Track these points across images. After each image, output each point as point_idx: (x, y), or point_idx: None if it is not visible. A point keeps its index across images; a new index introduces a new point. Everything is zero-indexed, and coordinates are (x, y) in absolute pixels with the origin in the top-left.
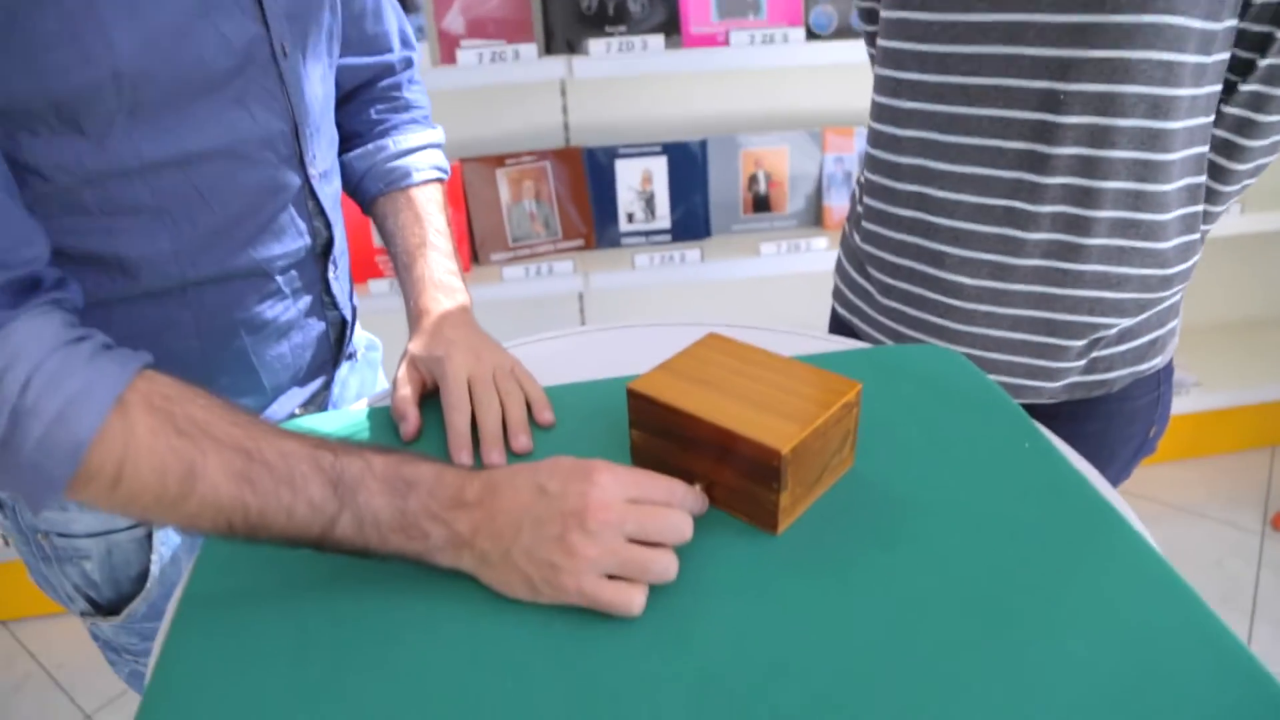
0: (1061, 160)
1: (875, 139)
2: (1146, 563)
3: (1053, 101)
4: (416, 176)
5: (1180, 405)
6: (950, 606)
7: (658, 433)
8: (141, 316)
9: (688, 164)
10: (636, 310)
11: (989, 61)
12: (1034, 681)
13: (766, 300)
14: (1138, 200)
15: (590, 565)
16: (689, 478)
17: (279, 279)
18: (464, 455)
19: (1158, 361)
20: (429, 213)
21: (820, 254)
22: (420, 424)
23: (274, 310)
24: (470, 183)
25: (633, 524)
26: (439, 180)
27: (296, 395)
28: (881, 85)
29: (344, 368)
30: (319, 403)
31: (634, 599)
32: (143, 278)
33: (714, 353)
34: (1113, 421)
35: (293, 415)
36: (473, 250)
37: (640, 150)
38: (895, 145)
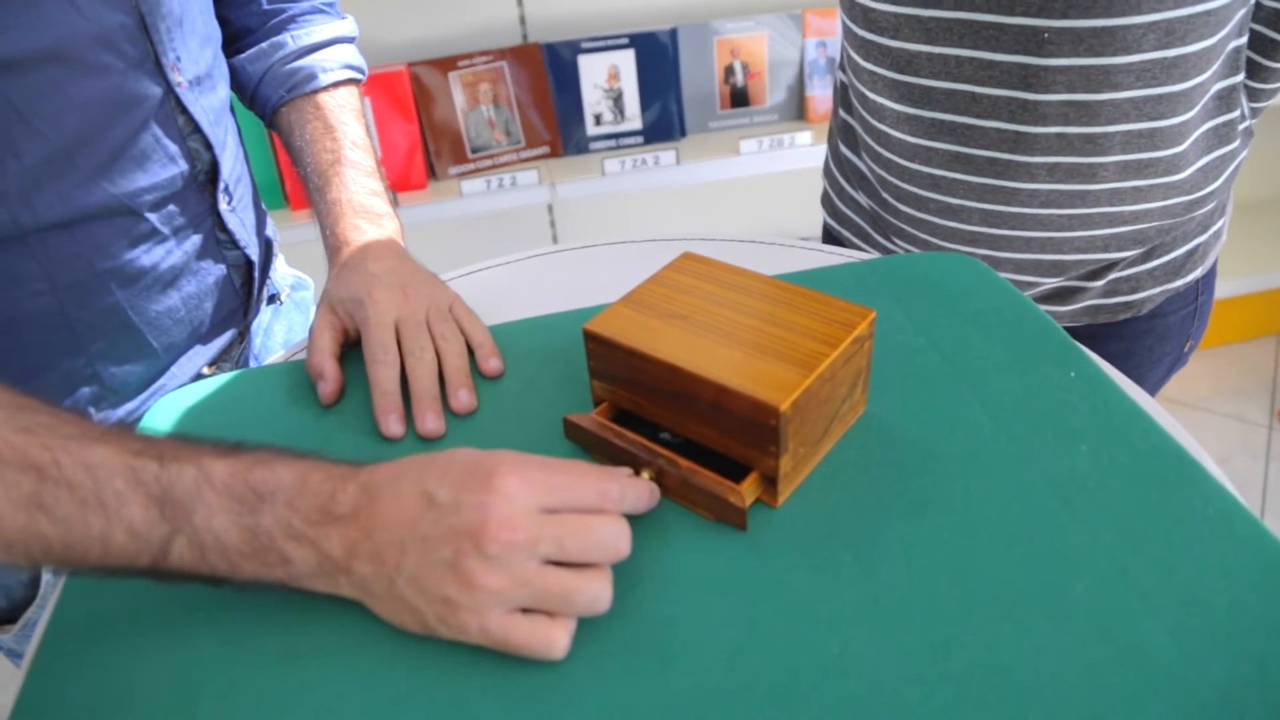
0: (1050, 107)
1: (848, 64)
2: (1238, 524)
3: (1035, 41)
4: (324, 78)
5: None
6: (992, 584)
7: (623, 383)
8: None
9: (658, 56)
10: (609, 222)
11: None
12: (1112, 692)
13: (751, 203)
14: (1151, 139)
15: (494, 599)
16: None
17: (151, 217)
18: (392, 421)
19: (1196, 274)
20: (343, 121)
21: (805, 150)
22: (341, 382)
23: (151, 256)
24: (421, 89)
25: (548, 543)
26: (354, 81)
27: (200, 354)
28: (847, 6)
29: (265, 314)
30: (235, 358)
31: (554, 639)
32: None
33: (690, 277)
34: (1140, 341)
35: (199, 376)
36: (428, 164)
37: (605, 43)
38: (861, 75)
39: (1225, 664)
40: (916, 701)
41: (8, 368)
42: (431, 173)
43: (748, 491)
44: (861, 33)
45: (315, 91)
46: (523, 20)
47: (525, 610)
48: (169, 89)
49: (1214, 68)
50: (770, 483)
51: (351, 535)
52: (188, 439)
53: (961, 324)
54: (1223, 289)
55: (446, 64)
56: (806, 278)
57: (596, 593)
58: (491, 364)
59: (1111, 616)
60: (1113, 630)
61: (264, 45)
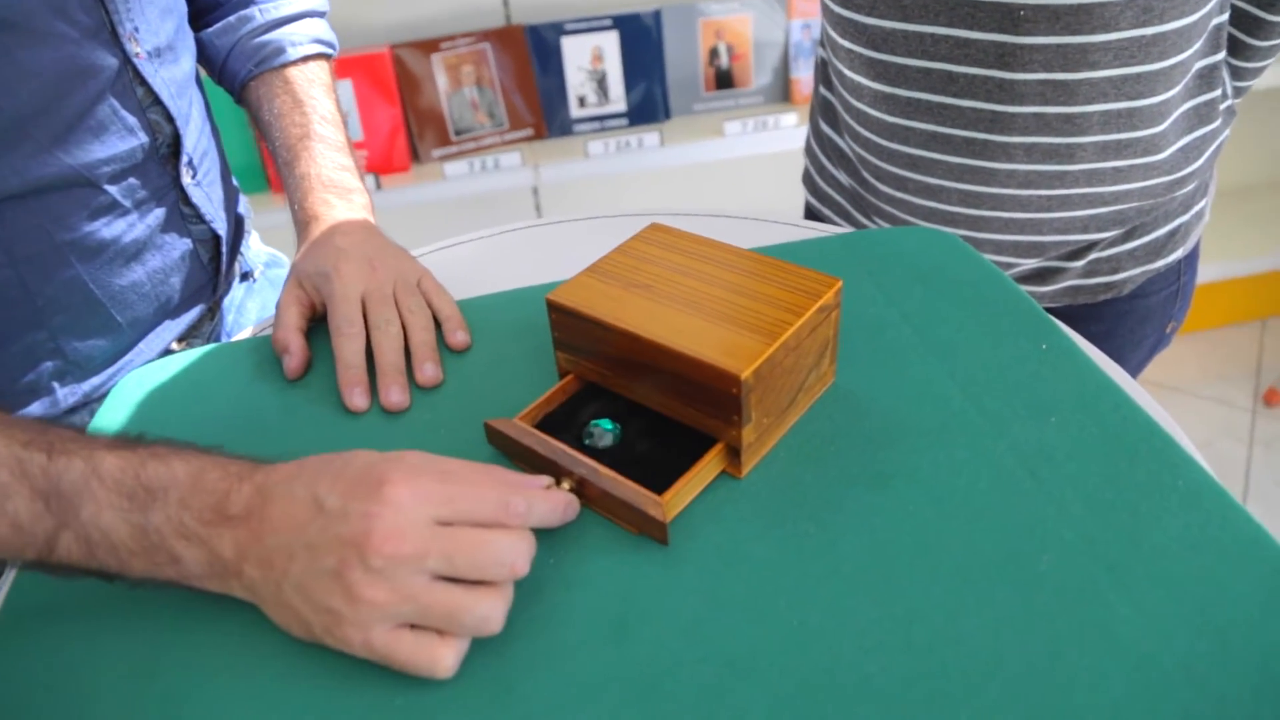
0: (1028, 86)
1: (826, 41)
2: (1207, 497)
3: (1011, 19)
4: (293, 52)
5: None
6: (960, 557)
7: (587, 354)
8: None
9: (642, 38)
10: (593, 205)
11: None
12: (1075, 664)
13: (735, 185)
14: (1130, 119)
15: (378, 613)
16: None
17: (111, 189)
18: (356, 394)
19: (1178, 254)
20: (312, 96)
21: (790, 131)
22: (307, 357)
23: (111, 229)
24: (404, 71)
25: (437, 558)
26: (324, 56)
27: (169, 329)
28: None
29: (238, 290)
30: (206, 334)
31: (439, 659)
32: None
33: (656, 248)
34: (1121, 322)
35: (168, 351)
36: (411, 147)
37: (588, 25)
38: (839, 52)
39: (1190, 637)
40: (876, 672)
41: None
42: (415, 155)
43: (670, 504)
44: (838, 9)
45: (284, 66)
46: (506, 2)
47: (414, 625)
48: (126, 60)
49: (1195, 46)
50: (734, 453)
51: (243, 537)
52: (82, 431)
53: (934, 297)
54: (1207, 273)
55: (429, 46)
56: (780, 251)
57: (486, 612)
58: (458, 337)
59: (1077, 588)
60: (1077, 602)
61: (231, 19)
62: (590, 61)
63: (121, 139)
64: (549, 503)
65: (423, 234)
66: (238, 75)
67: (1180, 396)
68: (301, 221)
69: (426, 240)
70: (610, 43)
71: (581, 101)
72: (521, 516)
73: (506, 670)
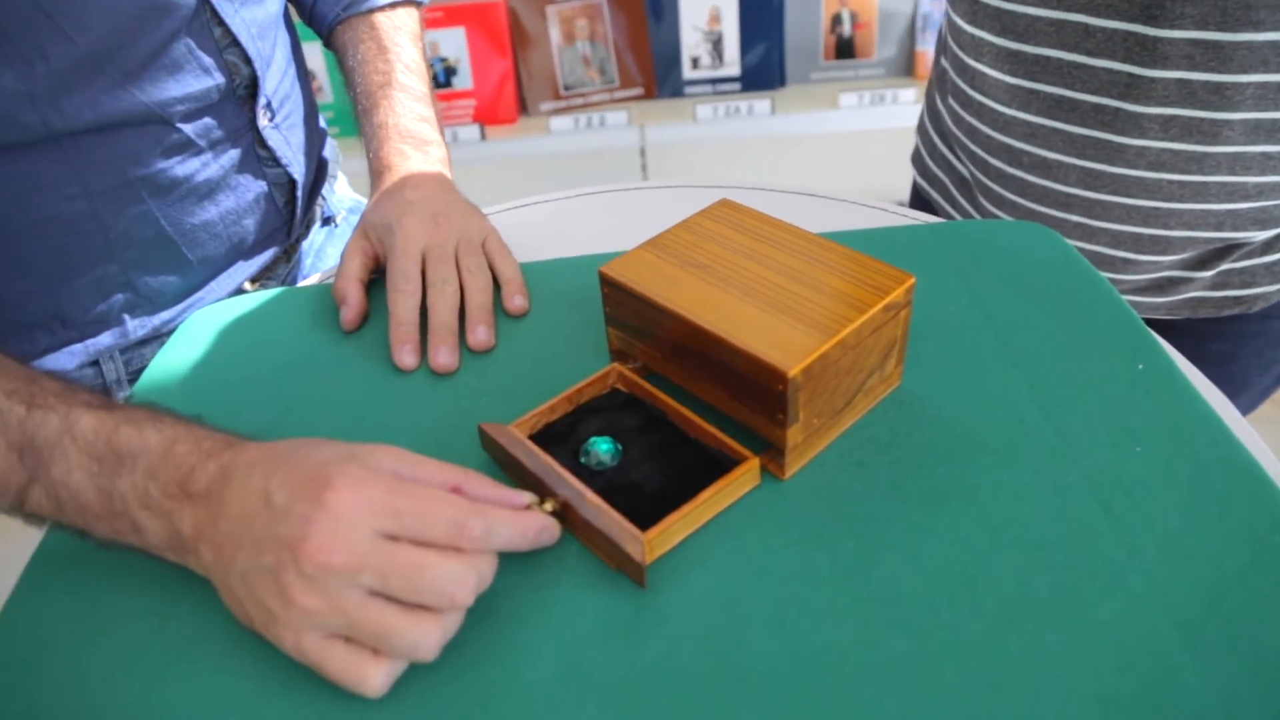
0: (1174, 46)
1: None
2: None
3: None
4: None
5: None
6: (1012, 590)
7: (637, 333)
8: (9, 174)
9: (763, 1)
10: (698, 169)
11: None
12: (1115, 712)
13: (847, 161)
14: None
15: (309, 620)
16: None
17: (185, 128)
18: (406, 352)
19: None
20: (397, 44)
21: (909, 108)
22: (364, 308)
23: (185, 167)
24: (517, 23)
25: (371, 575)
26: (413, 4)
27: (241, 270)
28: None
29: (319, 235)
30: (281, 276)
31: (368, 677)
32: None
33: (721, 225)
34: (1248, 344)
35: (240, 290)
36: (521, 99)
37: None
38: (959, 6)
39: (1262, 712)
40: (896, 710)
41: (41, 271)
42: (523, 107)
43: (654, 543)
44: None
45: (371, 11)
46: None
47: (348, 640)
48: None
49: None
50: (778, 453)
51: (201, 517)
52: (69, 386)
53: (1023, 300)
54: None
55: None
56: (861, 239)
57: (417, 639)
58: (516, 302)
59: (1138, 646)
60: (1138, 661)
61: None
62: (707, 22)
63: (196, 78)
64: (515, 526)
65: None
66: (326, 18)
67: None
68: (375, 171)
69: (527, 193)
70: (729, 3)
71: (695, 63)
72: (477, 541)
73: (514, 665)
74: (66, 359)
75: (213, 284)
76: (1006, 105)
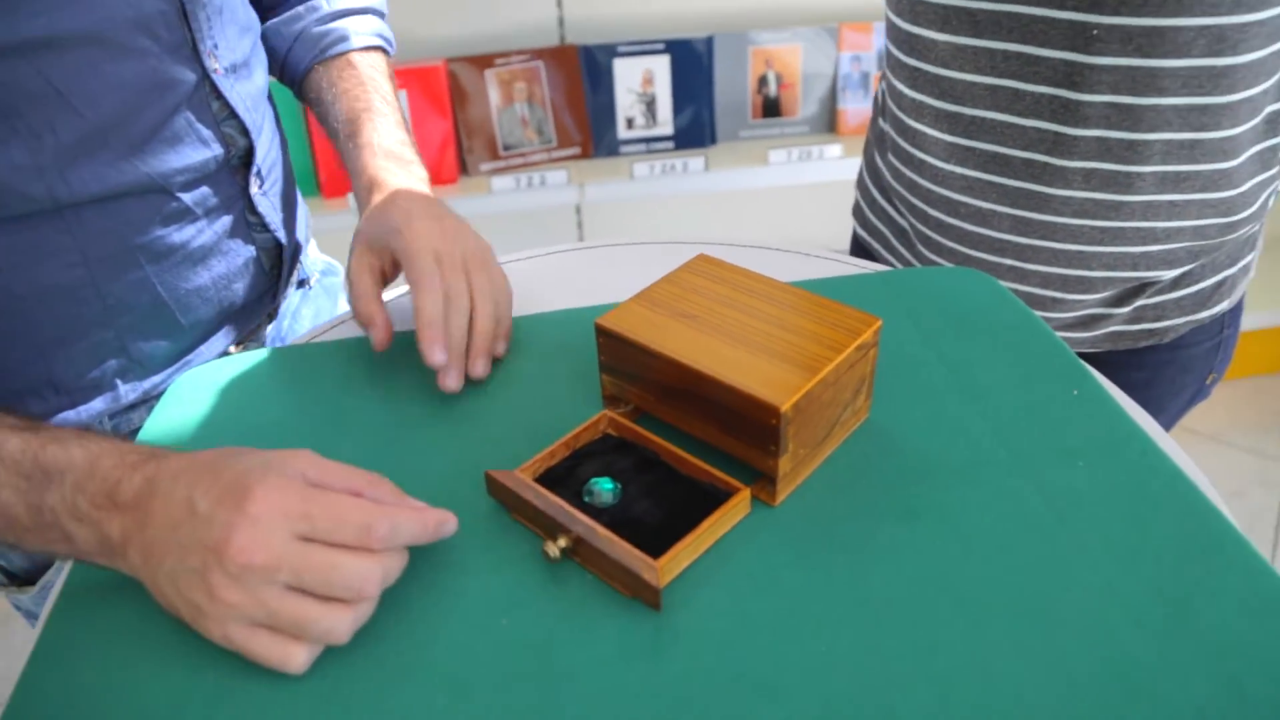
0: (1094, 108)
1: (888, 59)
2: (1219, 540)
3: (1083, 36)
4: (356, 40)
5: None
6: (981, 594)
7: (632, 379)
8: (12, 244)
9: (693, 63)
10: (636, 225)
11: None
12: (1093, 703)
13: (777, 213)
14: (1192, 151)
15: (233, 613)
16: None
17: (183, 196)
18: (437, 350)
19: (1223, 306)
20: (374, 79)
21: (834, 162)
22: (391, 326)
23: (182, 234)
24: (457, 85)
25: (287, 573)
26: (384, 51)
27: (229, 332)
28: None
29: (294, 297)
30: (262, 339)
31: (290, 656)
32: (6, 201)
33: (702, 279)
34: (1163, 371)
35: (225, 354)
36: (460, 159)
37: (641, 48)
38: (900, 71)
39: (1206, 684)
40: (900, 700)
41: (36, 338)
42: (463, 168)
43: (665, 569)
44: (906, 26)
45: (348, 52)
46: (561, 22)
47: (270, 628)
48: (205, 75)
49: (1264, 85)
50: (769, 481)
51: (129, 524)
52: None
53: (970, 339)
54: (1247, 322)
55: (483, 61)
56: (822, 286)
57: (330, 626)
58: (500, 348)
59: (1096, 629)
60: (1097, 642)
61: (299, 8)
62: (641, 84)
63: (195, 150)
64: (417, 522)
65: None
66: (301, 62)
67: (1213, 445)
68: (365, 186)
69: None
70: (661, 66)
71: (630, 123)
72: (383, 540)
73: (538, 680)
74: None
75: (201, 347)
76: (945, 161)
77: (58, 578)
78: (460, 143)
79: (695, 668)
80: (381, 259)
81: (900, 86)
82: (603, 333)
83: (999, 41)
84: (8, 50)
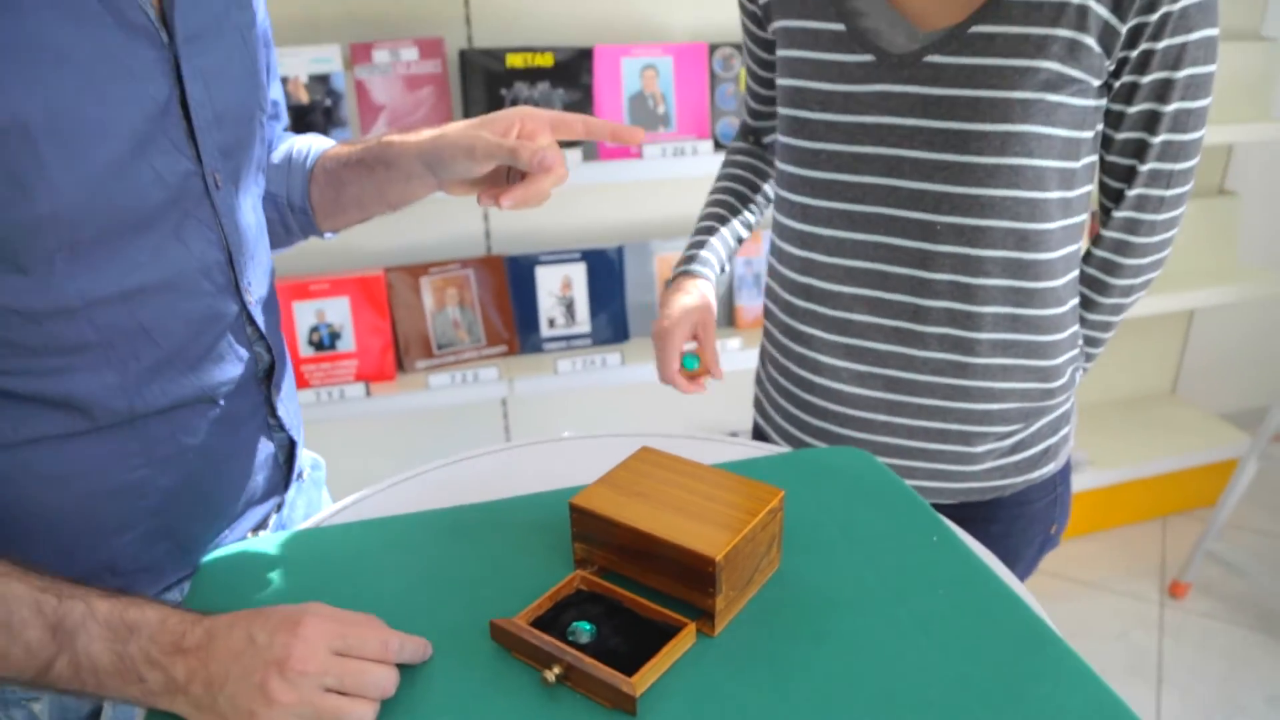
0: (942, 285)
1: (774, 253)
2: (1044, 641)
3: (930, 232)
4: (335, 143)
5: (1076, 483)
6: (874, 696)
7: (600, 544)
8: (94, 452)
9: (605, 270)
10: (560, 414)
11: (873, 191)
12: None
13: (686, 401)
14: (1015, 323)
15: (284, 712)
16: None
17: (223, 404)
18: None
19: (1051, 467)
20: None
21: (733, 354)
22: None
23: (221, 435)
24: (395, 291)
25: (332, 677)
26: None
27: (249, 519)
28: (778, 204)
29: (292, 489)
30: (270, 526)
31: None
32: (93, 414)
33: (648, 465)
34: (1014, 524)
35: (244, 539)
36: (397, 358)
37: (560, 257)
38: (790, 263)
39: None
40: None
41: (101, 528)
42: (400, 366)
43: (638, 683)
44: (798, 226)
45: (323, 153)
46: (488, 234)
47: None
48: (243, 306)
49: (1067, 278)
50: (709, 617)
51: (193, 664)
52: (81, 582)
53: (853, 501)
54: (1110, 477)
55: (419, 270)
56: (738, 467)
57: (360, 716)
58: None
59: (949, 710)
60: (950, 698)
61: (277, 162)
62: (560, 289)
63: (233, 366)
64: (413, 645)
65: (407, 437)
66: (304, 174)
67: (1094, 591)
68: (430, 137)
69: (410, 447)
70: (578, 273)
71: (551, 323)
72: (395, 653)
73: None
74: None
75: (227, 532)
76: (829, 332)
77: None
78: (398, 343)
79: None
80: (497, 128)
81: (791, 274)
82: (576, 509)
83: (871, 235)
84: (114, 299)
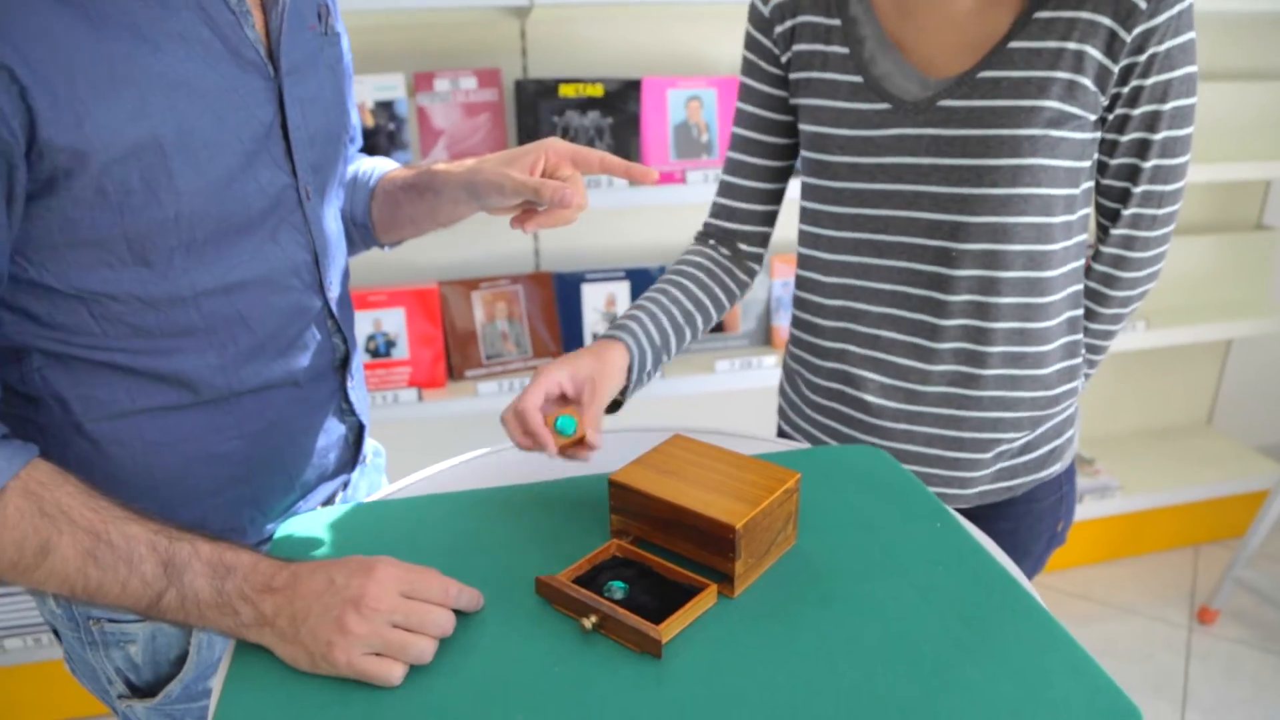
0: (957, 305)
1: (801, 283)
2: (1029, 610)
3: (947, 257)
4: (396, 165)
5: (1106, 508)
6: (873, 650)
7: (634, 515)
8: (194, 423)
9: (647, 288)
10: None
11: (893, 223)
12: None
13: (722, 413)
14: (1023, 337)
15: (358, 642)
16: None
17: (304, 387)
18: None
19: (1057, 468)
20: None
21: (770, 371)
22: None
23: (301, 415)
24: (447, 304)
25: (400, 615)
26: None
27: (320, 493)
28: (803, 238)
29: (357, 471)
30: (338, 502)
31: (393, 672)
32: (197, 389)
33: (679, 449)
34: (1022, 521)
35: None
36: (449, 366)
37: (605, 275)
38: (820, 289)
39: (1016, 694)
40: (831, 713)
41: (199, 490)
42: (450, 373)
43: (666, 630)
44: (824, 256)
45: (384, 175)
46: (537, 252)
47: (378, 654)
48: (325, 302)
49: (1065, 292)
50: (729, 581)
51: (280, 601)
52: (189, 526)
53: (866, 493)
54: (1139, 503)
55: (471, 284)
56: (765, 457)
57: (422, 649)
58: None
59: (947, 668)
60: (946, 676)
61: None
62: (605, 305)
63: (316, 354)
64: (469, 595)
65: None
66: (366, 195)
67: (1123, 614)
68: (448, 168)
69: (464, 444)
70: (622, 291)
71: (595, 337)
72: (454, 599)
73: (579, 693)
74: None
75: (301, 503)
76: (852, 345)
77: (178, 688)
78: (449, 353)
79: (685, 694)
80: (529, 159)
81: (816, 298)
82: (615, 484)
83: (892, 260)
84: (216, 290)
